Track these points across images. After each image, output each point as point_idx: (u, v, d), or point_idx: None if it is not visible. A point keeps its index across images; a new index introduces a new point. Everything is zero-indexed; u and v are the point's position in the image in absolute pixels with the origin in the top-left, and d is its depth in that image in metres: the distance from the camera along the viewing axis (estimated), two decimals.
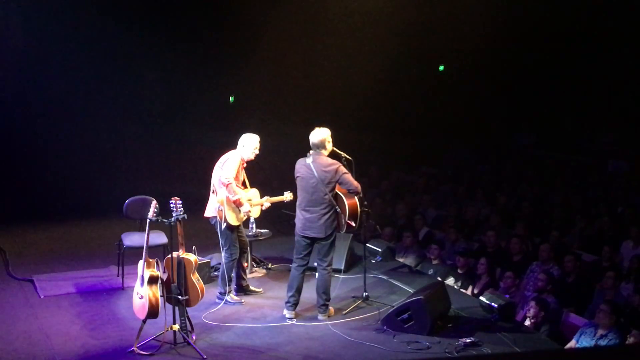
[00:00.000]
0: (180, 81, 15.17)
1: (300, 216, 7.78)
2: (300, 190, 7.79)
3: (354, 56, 15.61)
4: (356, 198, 7.79)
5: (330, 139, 7.78)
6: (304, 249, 7.83)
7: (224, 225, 8.03)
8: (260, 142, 8.29)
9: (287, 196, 8.64)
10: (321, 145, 7.72)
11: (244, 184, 8.30)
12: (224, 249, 8.13)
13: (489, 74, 15.82)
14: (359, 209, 7.82)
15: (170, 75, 15.02)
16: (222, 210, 8.00)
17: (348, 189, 7.70)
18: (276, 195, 8.71)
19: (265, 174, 10.20)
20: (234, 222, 8.14)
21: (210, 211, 8.20)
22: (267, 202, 8.55)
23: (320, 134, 7.75)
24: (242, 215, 8.21)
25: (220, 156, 8.26)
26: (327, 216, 7.66)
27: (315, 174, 7.61)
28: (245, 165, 8.27)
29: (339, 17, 15.17)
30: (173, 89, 15.22)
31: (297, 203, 7.84)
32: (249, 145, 8.16)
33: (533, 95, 16.11)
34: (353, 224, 7.82)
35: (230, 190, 7.99)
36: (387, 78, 15.87)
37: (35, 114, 13.91)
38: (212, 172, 8.23)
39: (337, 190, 7.74)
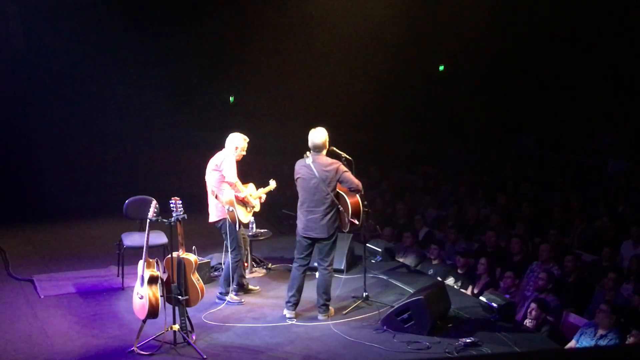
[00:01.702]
0: (181, 81, 15.18)
1: (302, 217, 7.78)
2: (301, 191, 7.79)
3: (354, 56, 15.62)
4: (358, 196, 7.80)
5: (328, 140, 7.81)
6: (305, 249, 7.84)
7: (237, 226, 8.05)
8: (257, 144, 8.30)
9: (272, 184, 8.69)
10: (323, 146, 7.73)
11: None
12: (231, 249, 8.13)
13: (489, 74, 15.81)
14: (361, 207, 7.83)
15: (170, 75, 15.03)
16: (233, 211, 8.01)
17: (349, 187, 7.70)
18: (263, 188, 8.73)
19: (265, 174, 10.19)
20: (245, 219, 8.25)
21: (214, 215, 8.19)
22: (262, 193, 8.60)
23: (322, 135, 7.76)
24: (248, 210, 8.25)
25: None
26: (329, 216, 7.67)
27: (316, 173, 7.61)
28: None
29: (339, 17, 15.17)
30: (173, 89, 15.23)
31: (299, 204, 7.83)
32: (240, 145, 8.18)
33: (533, 95, 16.11)
34: (356, 222, 7.82)
35: (238, 188, 8.06)
36: (387, 78, 15.88)
37: (35, 114, 13.92)
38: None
39: (338, 190, 7.74)
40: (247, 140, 8.26)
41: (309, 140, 7.76)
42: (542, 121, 16.42)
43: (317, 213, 7.67)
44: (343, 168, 7.68)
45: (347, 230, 7.96)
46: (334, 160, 7.73)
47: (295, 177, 7.83)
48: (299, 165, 7.80)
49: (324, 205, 7.65)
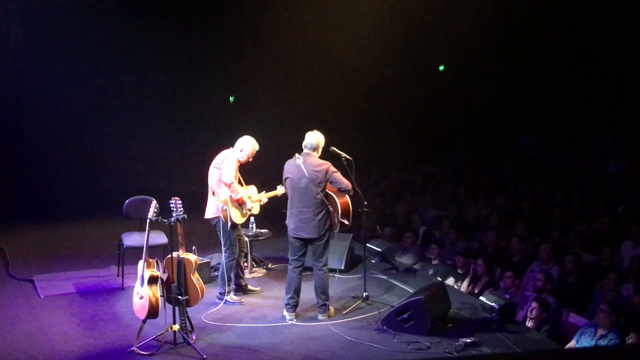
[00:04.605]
0: (181, 81, 15.17)
1: (293, 217, 7.78)
2: (291, 191, 7.79)
3: (354, 56, 15.61)
4: (347, 196, 7.82)
5: (323, 145, 7.81)
6: (298, 250, 7.83)
7: (229, 225, 8.05)
8: (259, 144, 8.28)
9: (280, 190, 8.65)
10: (316, 147, 7.75)
11: (239, 182, 8.32)
12: (225, 248, 8.15)
13: (489, 74, 15.80)
14: (350, 207, 7.85)
15: (170, 75, 15.02)
16: (226, 210, 8.02)
17: (339, 187, 7.71)
18: (269, 191, 8.70)
19: (264, 174, 10.20)
20: (238, 220, 8.21)
21: (210, 212, 8.22)
22: (264, 197, 8.57)
23: (318, 137, 7.80)
24: (245, 212, 8.25)
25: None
26: (319, 216, 7.67)
27: (306, 173, 7.62)
28: (239, 165, 8.28)
29: (339, 17, 15.17)
30: (173, 89, 15.22)
31: (289, 205, 7.83)
32: (246, 151, 8.19)
33: (533, 95, 16.10)
34: (346, 222, 7.84)
35: (233, 189, 8.04)
36: (387, 78, 15.86)
37: (35, 114, 13.91)
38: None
39: (327, 190, 7.75)
40: (257, 148, 8.25)
41: (304, 140, 7.77)
42: (542, 121, 16.41)
43: (307, 213, 7.67)
44: (333, 169, 7.70)
45: (337, 230, 7.97)
46: (324, 161, 7.75)
47: (284, 177, 7.85)
48: (288, 165, 7.82)
49: (314, 206, 7.65)
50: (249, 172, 8.65)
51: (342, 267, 9.15)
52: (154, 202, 7.65)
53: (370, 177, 14.03)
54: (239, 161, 8.20)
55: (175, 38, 14.73)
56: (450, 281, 9.28)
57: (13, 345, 7.21)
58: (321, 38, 15.47)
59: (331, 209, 7.73)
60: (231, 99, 16.46)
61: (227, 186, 8.02)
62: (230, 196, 8.05)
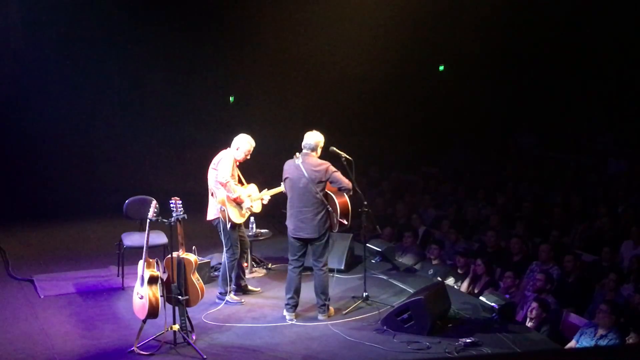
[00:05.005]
0: (181, 81, 15.18)
1: (292, 217, 7.77)
2: (290, 192, 7.79)
3: (354, 56, 15.61)
4: (346, 196, 7.82)
5: (322, 145, 7.81)
6: (298, 250, 7.83)
7: (228, 225, 8.05)
8: (257, 144, 8.28)
9: (283, 187, 8.65)
10: (314, 147, 7.75)
11: (240, 181, 8.31)
12: (226, 248, 8.14)
13: (489, 74, 15.80)
14: (349, 207, 7.85)
15: (170, 75, 15.02)
16: (224, 210, 8.02)
17: (339, 187, 7.71)
18: (271, 189, 8.68)
19: (264, 175, 10.20)
20: (237, 219, 8.19)
21: (211, 214, 8.21)
22: (266, 195, 8.56)
23: (317, 137, 7.79)
24: (244, 211, 8.23)
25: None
26: (319, 216, 7.66)
27: (305, 173, 7.62)
28: (238, 163, 8.28)
29: (340, 17, 15.17)
30: (173, 89, 15.23)
31: (288, 205, 7.83)
32: (242, 149, 8.18)
33: (533, 95, 16.10)
34: (345, 222, 7.84)
35: (229, 188, 8.02)
36: (387, 78, 15.86)
37: (36, 114, 13.91)
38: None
39: (327, 190, 7.75)
40: (253, 145, 8.24)
41: (303, 140, 7.77)
42: (542, 121, 16.41)
43: (307, 213, 7.67)
44: (332, 168, 7.70)
45: (337, 230, 7.97)
46: (324, 161, 7.75)
47: (284, 177, 7.86)
48: (288, 166, 7.82)
49: (313, 206, 7.65)
50: (249, 172, 8.64)
51: (342, 267, 9.15)
52: (154, 202, 7.64)
53: (370, 177, 14.03)
54: (236, 160, 8.19)
55: (175, 38, 14.73)
56: (450, 281, 9.28)
57: (13, 345, 7.21)
58: (321, 38, 15.47)
59: (330, 209, 7.73)
60: (231, 99, 16.47)
61: (223, 185, 8.01)
62: (228, 196, 8.03)
